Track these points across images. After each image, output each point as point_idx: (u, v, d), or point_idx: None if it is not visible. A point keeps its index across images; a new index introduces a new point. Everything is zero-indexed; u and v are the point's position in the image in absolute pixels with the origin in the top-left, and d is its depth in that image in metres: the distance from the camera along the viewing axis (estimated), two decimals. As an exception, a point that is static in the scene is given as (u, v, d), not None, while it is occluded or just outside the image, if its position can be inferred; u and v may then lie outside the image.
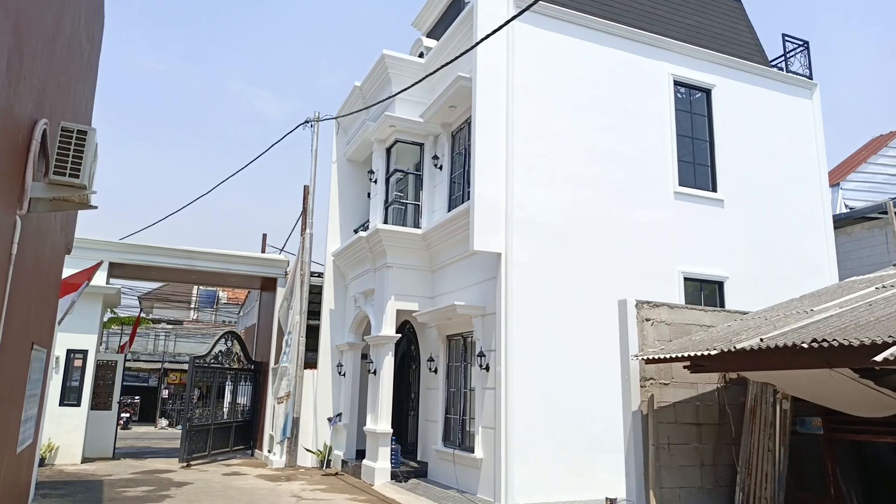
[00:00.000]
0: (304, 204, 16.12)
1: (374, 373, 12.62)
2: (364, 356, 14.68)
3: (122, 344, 19.30)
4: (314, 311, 15.81)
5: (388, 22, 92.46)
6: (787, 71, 13.69)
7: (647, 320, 7.35)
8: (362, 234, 13.18)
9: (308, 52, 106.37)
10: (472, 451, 10.40)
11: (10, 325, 5.06)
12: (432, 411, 12.31)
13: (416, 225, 13.15)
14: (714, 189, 12.20)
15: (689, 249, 11.58)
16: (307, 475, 13.32)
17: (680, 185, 11.82)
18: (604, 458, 9.95)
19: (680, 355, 6.16)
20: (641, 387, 7.10)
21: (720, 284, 11.80)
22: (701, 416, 7.37)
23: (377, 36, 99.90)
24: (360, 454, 13.80)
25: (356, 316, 14.26)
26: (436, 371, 12.29)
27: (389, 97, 12.78)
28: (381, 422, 12.08)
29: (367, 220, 14.91)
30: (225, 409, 16.54)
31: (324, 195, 16.16)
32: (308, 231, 15.43)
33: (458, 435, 11.36)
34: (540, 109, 10.95)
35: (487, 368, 10.29)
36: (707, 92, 12.62)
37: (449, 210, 12.37)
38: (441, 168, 12.98)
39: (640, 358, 6.82)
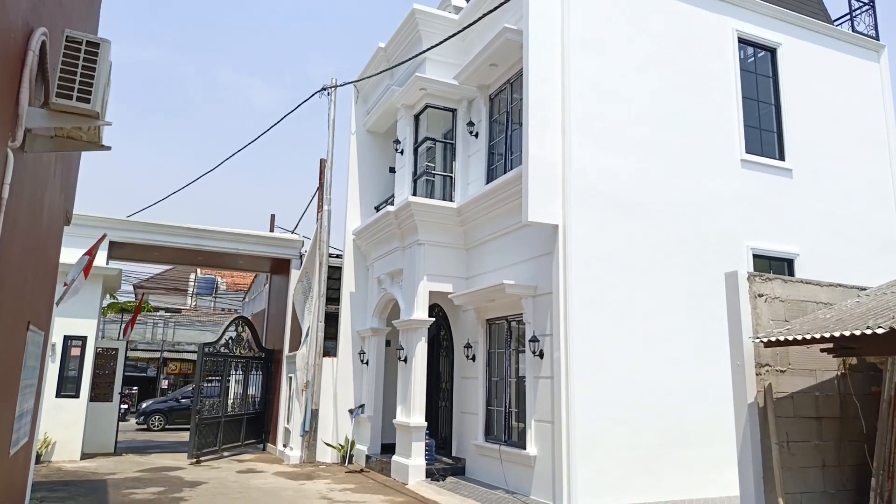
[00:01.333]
0: (320, 179, 14.91)
1: (405, 360, 11.47)
2: (388, 343, 13.56)
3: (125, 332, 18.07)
4: (331, 298, 14.63)
5: (382, 8, 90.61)
6: (853, 31, 12.53)
7: (760, 296, 6.21)
8: (390, 208, 11.98)
9: (299, 42, 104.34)
10: (524, 448, 9.28)
11: (1, 294, 3.88)
12: (470, 403, 11.18)
13: (449, 199, 11.96)
14: (782, 157, 11.06)
15: (758, 223, 10.45)
16: (329, 472, 12.19)
17: (747, 152, 10.67)
18: (676, 455, 8.87)
19: (825, 335, 5.03)
20: (756, 374, 5.98)
21: (790, 262, 10.69)
22: (821, 408, 6.26)
23: (371, 24, 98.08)
24: (386, 449, 12.70)
25: (381, 299, 13.08)
26: (473, 358, 11.15)
27: (421, 53, 11.55)
28: (413, 414, 10.94)
29: (391, 196, 13.71)
30: (236, 401, 15.37)
31: (341, 171, 14.93)
32: (326, 207, 14.20)
33: (504, 429, 10.24)
34: (598, 65, 9.75)
35: (542, 355, 9.15)
36: (772, 51, 11.44)
37: (487, 182, 11.19)
38: (477, 136, 11.78)
39: (759, 340, 5.69)
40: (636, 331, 9.10)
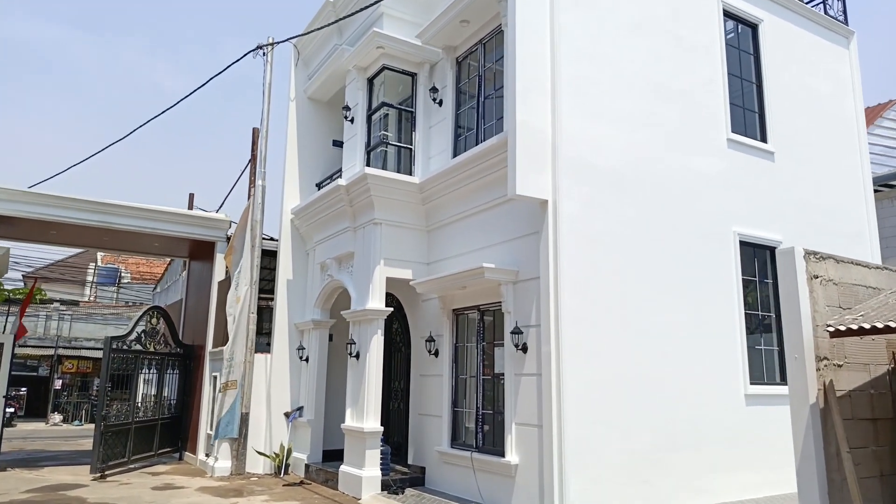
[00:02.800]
0: (252, 150, 13.18)
1: (357, 357, 10.04)
2: (331, 337, 12.07)
3: (16, 329, 15.50)
4: (265, 289, 12.89)
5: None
6: (826, 14, 12.16)
7: (815, 277, 5.31)
8: (340, 182, 10.48)
9: (209, 24, 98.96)
10: (503, 455, 8.11)
11: None
12: (432, 404, 9.90)
13: (407, 173, 10.61)
14: (764, 139, 10.44)
15: (743, 207, 9.76)
16: (264, 486, 10.57)
17: (732, 131, 9.96)
18: (669, 460, 7.97)
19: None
20: (816, 370, 5.08)
21: (772, 250, 10.05)
22: (876, 408, 5.45)
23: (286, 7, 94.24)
24: (329, 456, 11.25)
25: (325, 287, 11.55)
26: (436, 354, 9.87)
27: (377, 2, 10.13)
28: (367, 418, 9.55)
29: (337, 171, 12.20)
30: (148, 404, 13.36)
31: (276, 146, 13.11)
32: (259, 182, 12.48)
33: (474, 434, 9.03)
34: (589, 25, 8.69)
35: (525, 349, 8.00)
36: (754, 27, 10.81)
37: (454, 155, 9.95)
38: (441, 104, 10.50)
39: (835, 329, 4.77)
40: (630, 320, 8.13)
